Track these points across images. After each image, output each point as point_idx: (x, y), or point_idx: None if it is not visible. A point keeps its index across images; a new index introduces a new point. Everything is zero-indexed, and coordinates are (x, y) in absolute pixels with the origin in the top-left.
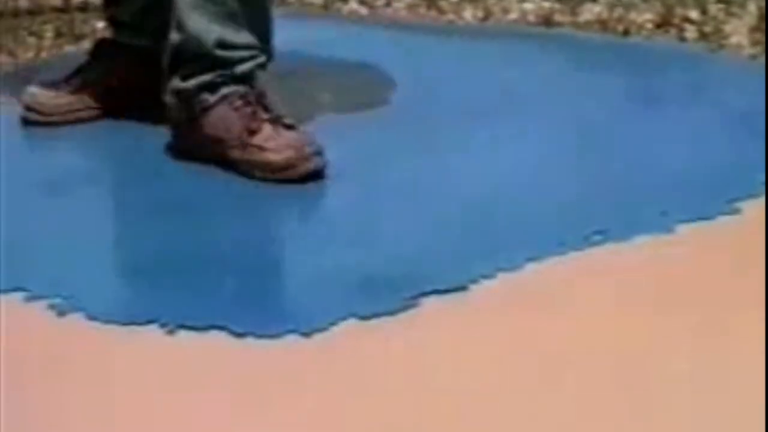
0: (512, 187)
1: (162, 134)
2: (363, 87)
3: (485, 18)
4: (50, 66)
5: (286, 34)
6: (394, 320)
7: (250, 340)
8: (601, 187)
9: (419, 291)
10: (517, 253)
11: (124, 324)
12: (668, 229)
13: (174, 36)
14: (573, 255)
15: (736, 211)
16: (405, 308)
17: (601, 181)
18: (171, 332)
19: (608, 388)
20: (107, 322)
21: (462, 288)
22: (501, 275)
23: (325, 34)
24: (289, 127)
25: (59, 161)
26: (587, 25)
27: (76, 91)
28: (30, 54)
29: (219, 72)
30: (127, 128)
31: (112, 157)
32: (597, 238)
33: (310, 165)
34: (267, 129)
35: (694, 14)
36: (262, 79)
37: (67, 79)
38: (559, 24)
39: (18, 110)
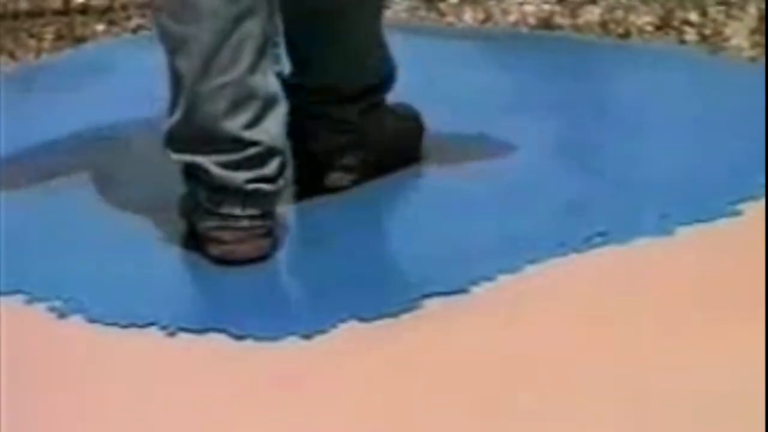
0: (512, 188)
1: None
2: None
3: (485, 20)
4: (50, 68)
5: None
6: (396, 322)
7: (249, 343)
8: (601, 188)
9: (420, 293)
10: (517, 255)
11: (125, 326)
12: (668, 231)
13: None
14: (573, 257)
15: (737, 213)
16: (406, 310)
17: (601, 183)
18: (171, 334)
19: (608, 389)
20: (107, 324)
21: (463, 290)
22: (502, 277)
23: None
24: None
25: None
26: (587, 27)
27: None
28: (30, 56)
29: None
30: None
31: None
32: (597, 240)
33: None
34: None
35: (693, 16)
36: None
37: None
38: (559, 26)
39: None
